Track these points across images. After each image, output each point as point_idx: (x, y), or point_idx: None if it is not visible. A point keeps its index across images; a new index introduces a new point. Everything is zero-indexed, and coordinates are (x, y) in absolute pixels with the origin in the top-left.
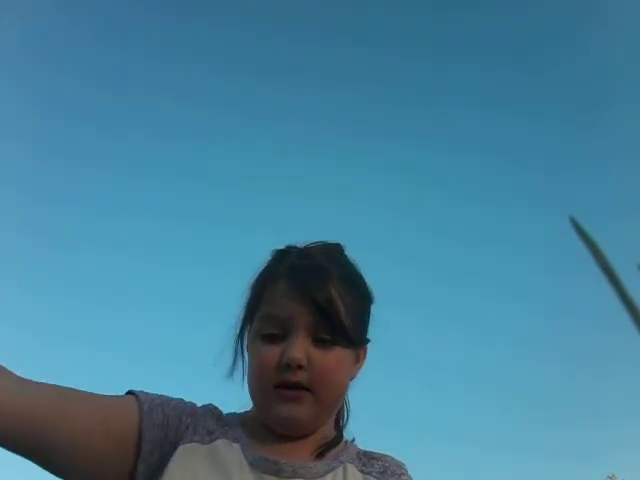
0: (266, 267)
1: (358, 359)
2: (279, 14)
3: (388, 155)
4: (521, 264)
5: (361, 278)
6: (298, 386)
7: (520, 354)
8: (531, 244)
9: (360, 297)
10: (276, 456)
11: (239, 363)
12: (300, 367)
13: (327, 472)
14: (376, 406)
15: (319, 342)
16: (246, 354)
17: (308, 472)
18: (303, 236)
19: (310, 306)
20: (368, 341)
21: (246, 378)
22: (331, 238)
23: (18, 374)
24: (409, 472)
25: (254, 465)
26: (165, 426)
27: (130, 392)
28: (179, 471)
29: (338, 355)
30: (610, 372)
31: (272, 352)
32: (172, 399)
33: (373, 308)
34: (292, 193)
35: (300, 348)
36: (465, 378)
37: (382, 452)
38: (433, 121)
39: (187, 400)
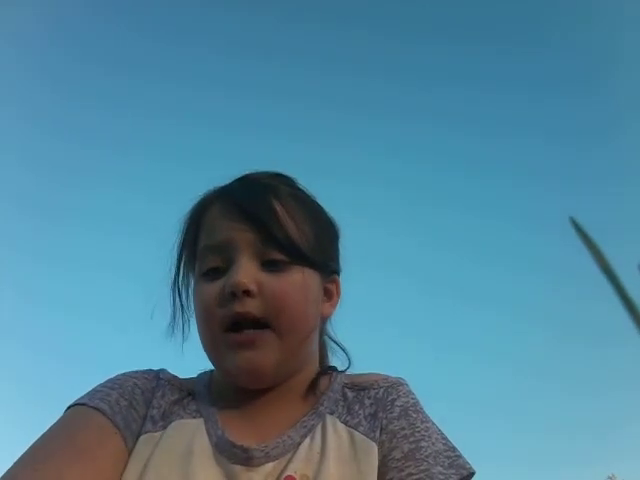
0: (199, 198)
1: (330, 295)
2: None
3: (388, 148)
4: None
5: (319, 205)
6: (249, 319)
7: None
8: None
9: (317, 219)
10: (252, 427)
11: (179, 318)
12: (247, 293)
13: (303, 437)
14: None
15: (270, 265)
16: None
17: (281, 449)
18: None
19: (251, 223)
20: (337, 271)
21: (197, 333)
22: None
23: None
24: (409, 387)
25: (219, 448)
26: (130, 407)
27: (75, 404)
28: (133, 476)
29: (295, 278)
30: (611, 370)
31: (213, 287)
32: (120, 383)
33: (341, 243)
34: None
35: (245, 271)
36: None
37: (374, 374)
38: (434, 107)
39: (132, 372)
